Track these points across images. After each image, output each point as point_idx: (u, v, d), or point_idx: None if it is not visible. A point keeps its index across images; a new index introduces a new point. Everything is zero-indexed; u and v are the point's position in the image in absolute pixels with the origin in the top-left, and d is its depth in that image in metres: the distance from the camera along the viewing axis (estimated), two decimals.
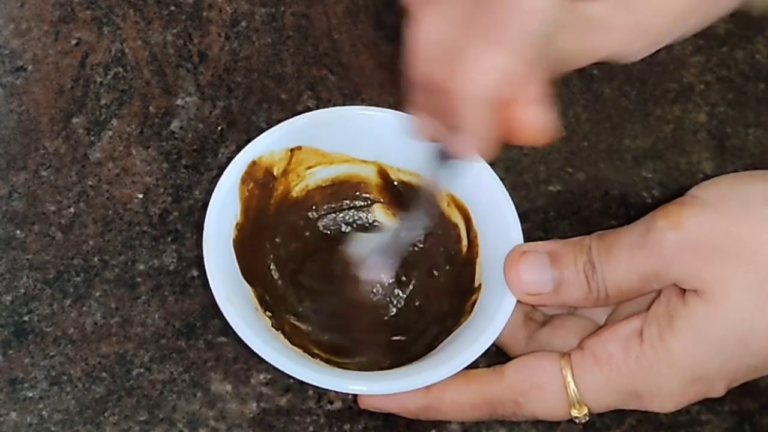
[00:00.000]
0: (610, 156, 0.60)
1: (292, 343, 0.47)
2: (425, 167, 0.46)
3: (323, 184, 0.53)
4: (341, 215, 0.54)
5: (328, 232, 0.53)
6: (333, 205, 0.53)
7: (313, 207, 0.53)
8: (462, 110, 0.40)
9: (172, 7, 0.63)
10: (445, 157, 0.44)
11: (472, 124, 0.40)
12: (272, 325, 0.48)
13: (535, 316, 0.50)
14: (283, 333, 0.48)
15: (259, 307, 0.48)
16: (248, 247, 0.49)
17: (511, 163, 0.59)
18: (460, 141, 0.42)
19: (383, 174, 0.53)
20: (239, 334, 0.45)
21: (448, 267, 0.52)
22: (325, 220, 0.53)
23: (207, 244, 0.47)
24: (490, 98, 0.40)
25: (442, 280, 0.52)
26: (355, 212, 0.54)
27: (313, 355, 0.48)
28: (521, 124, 0.41)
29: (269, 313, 0.48)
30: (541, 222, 0.57)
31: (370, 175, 0.53)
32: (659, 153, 0.60)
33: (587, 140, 0.60)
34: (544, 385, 0.45)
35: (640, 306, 0.45)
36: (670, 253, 0.42)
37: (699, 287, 0.42)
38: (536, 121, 0.41)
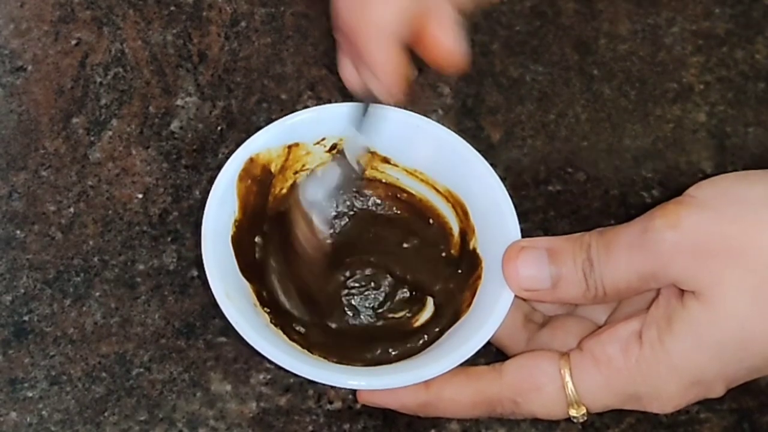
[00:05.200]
0: (610, 156, 0.60)
1: (290, 339, 0.47)
2: (351, 123, 0.49)
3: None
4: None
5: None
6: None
7: None
8: (368, 50, 0.45)
9: (172, 7, 0.63)
10: (365, 109, 0.48)
11: (378, 62, 0.45)
12: (271, 321, 0.48)
13: (534, 318, 0.50)
14: (282, 330, 0.48)
15: (257, 304, 0.48)
16: (247, 244, 0.49)
17: (511, 163, 0.59)
18: (372, 81, 0.46)
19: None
20: (238, 330, 0.45)
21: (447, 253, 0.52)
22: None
23: (205, 241, 0.47)
24: (390, 34, 0.44)
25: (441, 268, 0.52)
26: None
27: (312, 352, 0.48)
28: (433, 45, 0.46)
29: (267, 310, 0.48)
30: (541, 222, 0.57)
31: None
32: (659, 153, 0.60)
33: (587, 140, 0.60)
34: (543, 385, 0.45)
35: (639, 306, 0.45)
36: (667, 253, 0.42)
37: (696, 289, 0.42)
38: (447, 43, 0.45)
